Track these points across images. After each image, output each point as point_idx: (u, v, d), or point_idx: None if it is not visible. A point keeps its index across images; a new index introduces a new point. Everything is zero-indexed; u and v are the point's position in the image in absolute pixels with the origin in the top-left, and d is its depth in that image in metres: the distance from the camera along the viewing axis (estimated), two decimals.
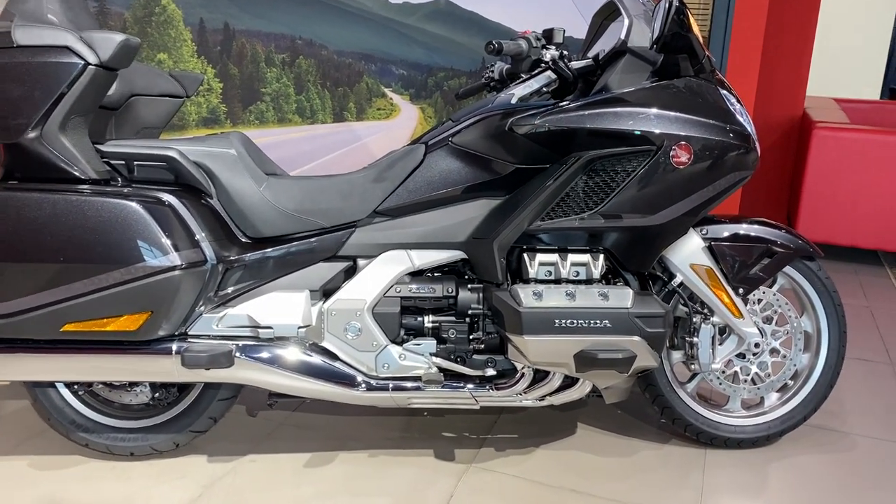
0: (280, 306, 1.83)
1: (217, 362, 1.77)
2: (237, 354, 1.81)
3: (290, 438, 2.14)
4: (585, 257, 1.88)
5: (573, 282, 1.88)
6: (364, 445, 2.11)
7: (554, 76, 1.85)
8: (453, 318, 1.93)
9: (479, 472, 2.00)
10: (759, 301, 2.07)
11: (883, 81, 5.82)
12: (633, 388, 2.03)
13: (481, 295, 1.92)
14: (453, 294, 1.91)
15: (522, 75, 2.00)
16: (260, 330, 1.83)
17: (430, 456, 2.06)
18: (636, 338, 1.81)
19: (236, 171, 1.85)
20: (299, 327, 1.83)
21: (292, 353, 1.84)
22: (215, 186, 1.85)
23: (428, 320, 1.93)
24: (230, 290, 1.85)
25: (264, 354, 1.82)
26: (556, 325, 1.80)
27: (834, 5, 5.66)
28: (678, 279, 1.97)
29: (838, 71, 5.69)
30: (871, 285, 3.49)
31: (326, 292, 1.90)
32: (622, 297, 1.82)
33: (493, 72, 2.18)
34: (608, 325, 1.80)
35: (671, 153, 1.77)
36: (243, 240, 1.88)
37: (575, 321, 1.80)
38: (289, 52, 2.93)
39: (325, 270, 1.89)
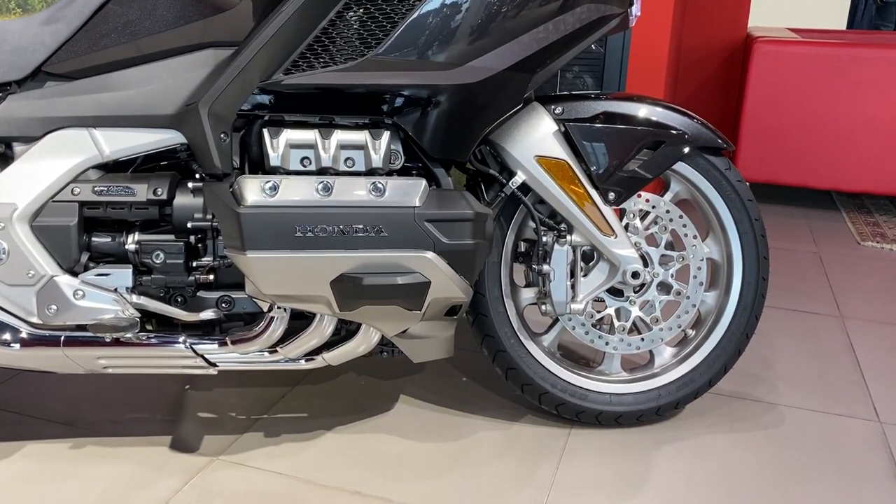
0: None
1: None
2: None
3: None
4: (362, 136, 1.22)
5: (344, 174, 1.22)
6: (72, 433, 1.44)
7: None
8: (171, 237, 1.27)
9: (225, 467, 1.34)
10: (644, 215, 1.43)
11: (848, 19, 5.22)
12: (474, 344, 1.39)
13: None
14: (165, 197, 1.24)
15: None
16: None
17: (165, 446, 1.40)
18: (428, 253, 1.16)
19: None
20: None
21: None
22: None
23: (130, 240, 1.26)
24: None
25: None
26: (300, 234, 1.14)
27: None
28: (519, 178, 1.32)
29: (798, 5, 5.09)
30: (823, 231, 2.88)
31: None
32: (406, 190, 1.17)
33: None
34: (383, 233, 1.15)
35: None
36: None
37: (330, 227, 1.14)
38: None
39: None
